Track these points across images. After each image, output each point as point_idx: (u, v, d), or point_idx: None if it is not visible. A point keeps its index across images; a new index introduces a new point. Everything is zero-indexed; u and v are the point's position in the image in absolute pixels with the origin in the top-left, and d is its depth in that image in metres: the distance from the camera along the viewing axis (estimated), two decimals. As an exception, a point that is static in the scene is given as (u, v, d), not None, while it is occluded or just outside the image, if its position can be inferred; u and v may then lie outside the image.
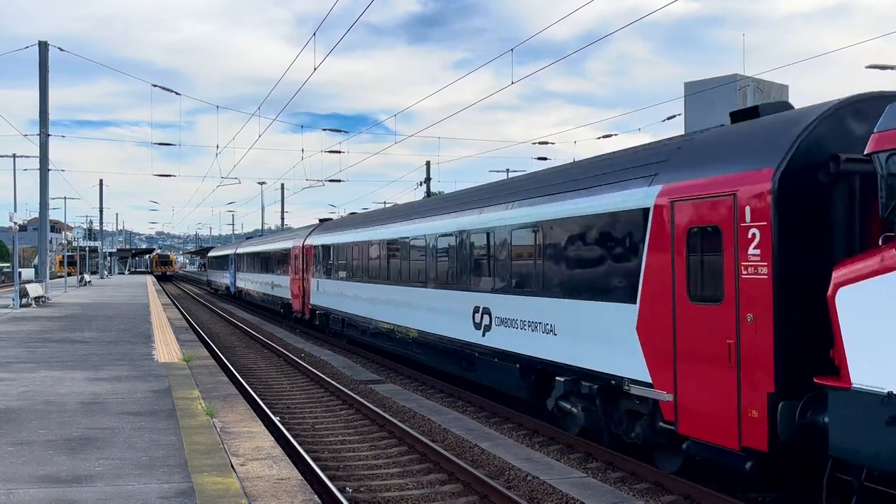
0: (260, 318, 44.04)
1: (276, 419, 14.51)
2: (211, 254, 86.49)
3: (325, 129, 42.64)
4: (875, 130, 7.96)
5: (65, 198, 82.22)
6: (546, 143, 42.65)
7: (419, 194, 57.72)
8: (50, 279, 48.69)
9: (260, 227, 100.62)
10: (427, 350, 19.18)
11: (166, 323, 28.65)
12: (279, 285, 39.69)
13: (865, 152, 8.02)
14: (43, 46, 37.44)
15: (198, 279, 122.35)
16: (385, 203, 67.21)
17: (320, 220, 37.70)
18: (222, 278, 70.56)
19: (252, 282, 50.53)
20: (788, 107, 10.58)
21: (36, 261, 69.34)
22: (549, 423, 14.06)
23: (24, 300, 37.12)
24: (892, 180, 7.72)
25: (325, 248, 30.07)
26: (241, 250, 57.48)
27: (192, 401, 12.71)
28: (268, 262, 43.50)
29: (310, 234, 34.12)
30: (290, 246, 36.72)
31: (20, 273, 43.00)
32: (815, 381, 8.33)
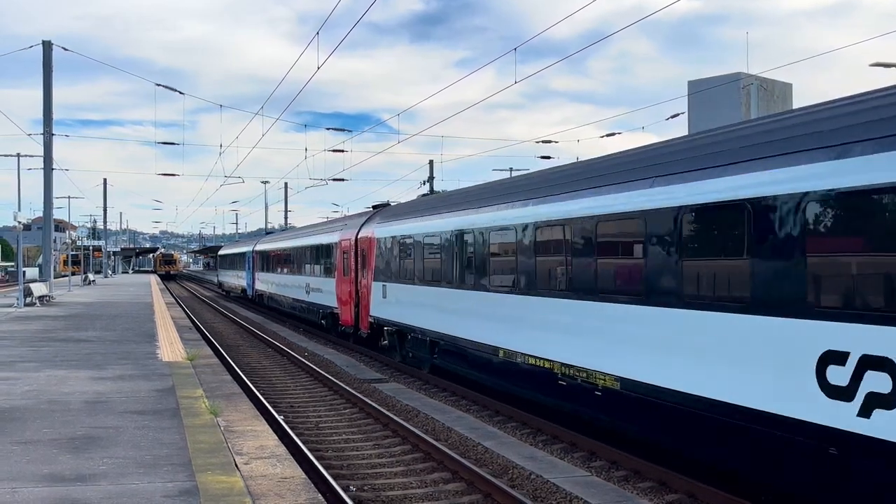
0: (264, 317, 44.01)
1: (279, 418, 14.54)
2: (223, 251, 76.57)
3: (328, 128, 42.70)
4: None
5: (69, 197, 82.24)
6: (549, 141, 42.66)
7: (422, 192, 57.37)
8: (54, 278, 48.78)
9: (264, 226, 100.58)
10: (651, 417, 10.86)
11: (170, 322, 28.68)
12: (318, 290, 31.95)
13: None
14: (47, 46, 37.48)
15: (201, 278, 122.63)
16: (389, 202, 65.60)
17: (375, 207, 29.19)
18: (237, 279, 61.71)
19: (278, 284, 42.30)
20: None
21: (40, 260, 69.52)
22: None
23: (28, 299, 37.19)
24: None
25: (400, 240, 21.55)
26: (262, 247, 49.16)
27: (196, 400, 12.72)
28: (301, 261, 35.95)
29: (366, 222, 26.21)
30: (336, 240, 29.18)
31: (24, 272, 43.12)
32: None
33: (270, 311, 45.59)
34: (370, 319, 24.36)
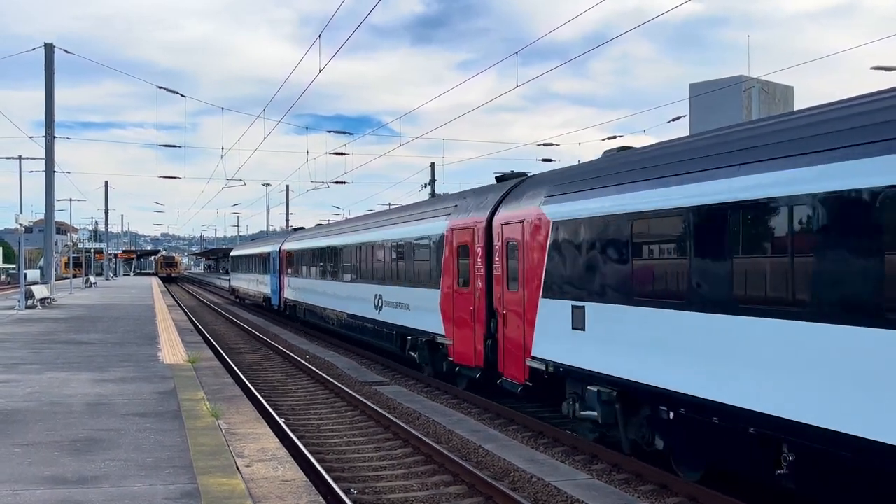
0: (265, 319, 43.97)
1: (280, 420, 14.54)
2: (237, 251, 63.49)
3: (329, 131, 42.83)
4: None
5: (70, 199, 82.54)
6: (551, 144, 42.72)
7: (423, 195, 57.24)
8: (55, 281, 48.80)
9: (265, 229, 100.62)
10: None
11: (171, 324, 28.70)
12: (403, 305, 21.75)
13: None
14: (49, 48, 37.53)
15: (203, 281, 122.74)
16: (390, 205, 64.73)
17: (500, 179, 18.67)
18: (257, 285, 49.92)
19: (323, 294, 31.66)
20: None
21: (41, 262, 69.58)
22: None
23: (29, 302, 37.21)
24: None
25: (653, 221, 10.92)
26: (293, 245, 38.95)
27: (198, 402, 12.73)
28: (366, 262, 25.51)
29: (509, 198, 16.12)
30: (442, 230, 19.18)
31: (26, 274, 43.14)
32: None
33: (310, 329, 35.30)
34: (532, 364, 14.36)
